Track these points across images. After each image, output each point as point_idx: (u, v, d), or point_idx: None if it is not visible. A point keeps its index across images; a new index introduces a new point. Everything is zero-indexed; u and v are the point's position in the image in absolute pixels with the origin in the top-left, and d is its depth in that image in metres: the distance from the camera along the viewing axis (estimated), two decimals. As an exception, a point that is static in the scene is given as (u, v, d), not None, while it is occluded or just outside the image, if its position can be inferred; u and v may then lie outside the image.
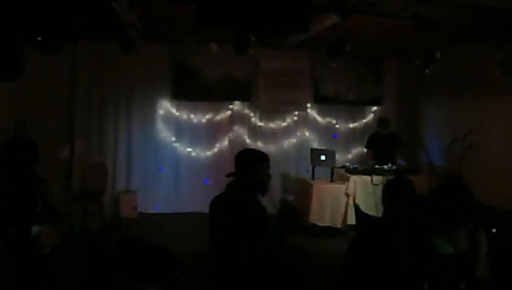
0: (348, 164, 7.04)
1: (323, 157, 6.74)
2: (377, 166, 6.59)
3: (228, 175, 2.66)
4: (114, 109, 7.21)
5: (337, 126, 8.11)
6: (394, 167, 6.58)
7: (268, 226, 2.52)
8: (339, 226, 6.42)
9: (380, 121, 7.10)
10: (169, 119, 7.50)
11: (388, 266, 2.40)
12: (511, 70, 4.69)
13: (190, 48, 7.01)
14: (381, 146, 6.95)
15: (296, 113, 7.95)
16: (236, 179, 2.60)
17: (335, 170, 6.75)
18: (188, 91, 7.35)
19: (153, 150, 7.43)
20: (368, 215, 6.04)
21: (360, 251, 2.58)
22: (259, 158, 2.60)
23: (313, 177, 6.82)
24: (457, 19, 4.79)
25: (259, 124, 7.86)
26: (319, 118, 8.05)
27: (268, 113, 7.86)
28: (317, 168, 6.86)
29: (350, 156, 8.08)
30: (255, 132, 7.84)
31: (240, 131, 7.78)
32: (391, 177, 2.81)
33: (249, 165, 2.57)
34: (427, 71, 4.92)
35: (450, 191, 2.79)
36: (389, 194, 2.62)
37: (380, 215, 2.78)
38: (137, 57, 6.03)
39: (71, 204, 6.71)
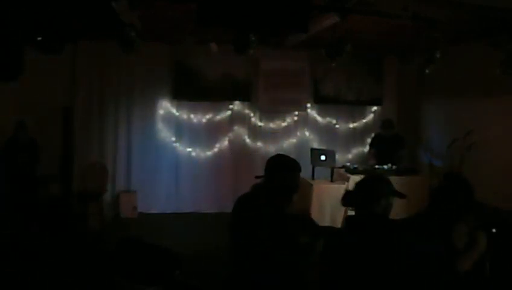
0: (348, 164, 7.02)
1: (323, 157, 6.73)
2: (377, 166, 6.59)
3: (257, 177, 2.63)
4: (114, 109, 7.21)
5: (337, 126, 8.11)
6: (394, 167, 6.58)
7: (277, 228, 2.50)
8: (339, 226, 6.42)
9: (384, 123, 7.05)
10: (169, 119, 7.50)
11: (365, 264, 2.35)
12: (511, 70, 4.69)
13: (190, 48, 7.00)
14: (383, 146, 6.94)
15: (296, 113, 7.94)
16: (264, 183, 2.58)
17: (335, 170, 6.74)
18: (188, 91, 7.34)
19: (153, 150, 7.42)
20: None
21: (338, 249, 2.50)
22: (292, 166, 2.58)
23: (313, 177, 6.82)
24: (457, 19, 4.79)
25: (259, 124, 7.86)
26: (319, 118, 8.05)
27: (268, 113, 7.85)
28: (317, 168, 6.85)
29: (350, 156, 8.08)
30: (255, 132, 7.84)
31: (240, 131, 7.78)
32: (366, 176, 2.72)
33: (281, 171, 2.55)
34: (427, 71, 4.92)
35: (450, 190, 2.78)
36: (365, 191, 2.50)
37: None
38: (137, 57, 6.04)
39: (71, 204, 6.71)
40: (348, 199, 2.53)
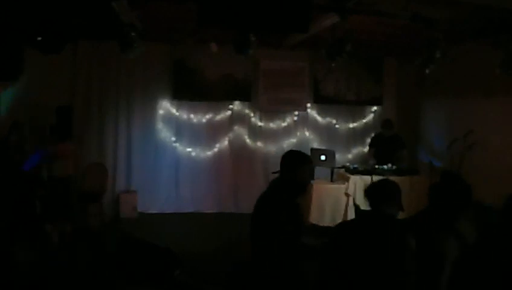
0: (348, 164, 7.03)
1: (323, 157, 6.74)
2: (377, 166, 6.59)
3: (274, 172, 2.90)
4: (114, 109, 7.21)
5: (337, 126, 8.11)
6: (394, 167, 6.59)
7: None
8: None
9: (385, 123, 7.07)
10: (169, 119, 7.50)
11: (366, 258, 2.50)
12: (511, 70, 4.68)
13: (190, 48, 7.01)
14: (382, 146, 6.96)
15: (296, 113, 7.95)
16: (280, 177, 2.80)
17: (335, 170, 6.75)
18: (188, 91, 7.35)
19: (153, 150, 7.43)
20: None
21: (343, 240, 2.70)
22: (302, 159, 2.81)
23: (313, 177, 6.81)
24: (457, 19, 4.79)
25: (259, 124, 7.86)
26: (319, 118, 8.05)
27: (268, 113, 7.86)
28: (317, 168, 6.85)
29: (350, 156, 8.08)
30: (255, 132, 7.84)
31: (240, 131, 7.78)
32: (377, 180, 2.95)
33: (292, 164, 2.77)
34: (427, 71, 4.92)
35: (448, 187, 2.81)
36: (376, 193, 2.75)
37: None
38: (137, 57, 6.02)
39: (71, 204, 6.70)
40: (370, 191, 2.79)
